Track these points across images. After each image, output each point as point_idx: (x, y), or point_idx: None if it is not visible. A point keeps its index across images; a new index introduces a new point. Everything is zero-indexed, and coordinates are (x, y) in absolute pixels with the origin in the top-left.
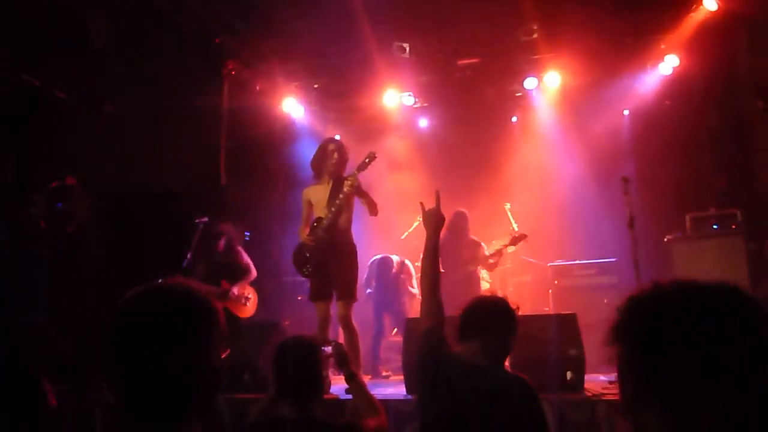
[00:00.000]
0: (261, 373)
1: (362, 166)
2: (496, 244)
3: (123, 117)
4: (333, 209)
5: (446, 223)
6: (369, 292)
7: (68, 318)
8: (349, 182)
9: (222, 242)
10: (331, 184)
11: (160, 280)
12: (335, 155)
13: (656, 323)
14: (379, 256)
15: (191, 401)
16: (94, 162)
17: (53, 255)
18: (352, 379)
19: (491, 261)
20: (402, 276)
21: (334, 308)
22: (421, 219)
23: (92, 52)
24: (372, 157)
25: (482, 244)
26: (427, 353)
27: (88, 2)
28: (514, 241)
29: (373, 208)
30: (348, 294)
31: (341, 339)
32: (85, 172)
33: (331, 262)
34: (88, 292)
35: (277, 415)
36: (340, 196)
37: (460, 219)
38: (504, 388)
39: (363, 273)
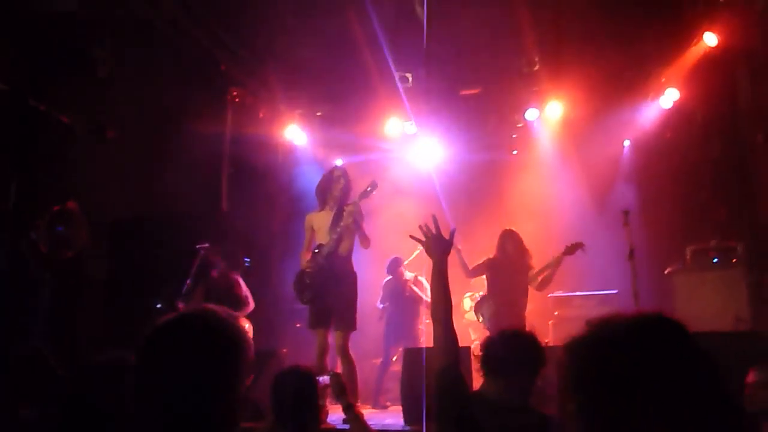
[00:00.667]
0: (258, 402)
1: (364, 195)
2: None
3: (125, 143)
4: (334, 236)
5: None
6: (382, 307)
7: (68, 343)
8: (350, 209)
9: (215, 270)
10: (334, 211)
11: (159, 306)
12: (341, 181)
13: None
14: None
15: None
16: (96, 187)
17: (53, 279)
18: (350, 409)
19: (540, 278)
20: (416, 296)
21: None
22: (421, 248)
23: (97, 79)
24: (374, 185)
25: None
26: (447, 395)
27: (94, 30)
28: (569, 250)
29: (364, 241)
30: (346, 324)
31: (339, 368)
32: (86, 197)
33: (330, 289)
34: (89, 317)
35: None
36: (341, 223)
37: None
38: (533, 427)
39: (364, 300)
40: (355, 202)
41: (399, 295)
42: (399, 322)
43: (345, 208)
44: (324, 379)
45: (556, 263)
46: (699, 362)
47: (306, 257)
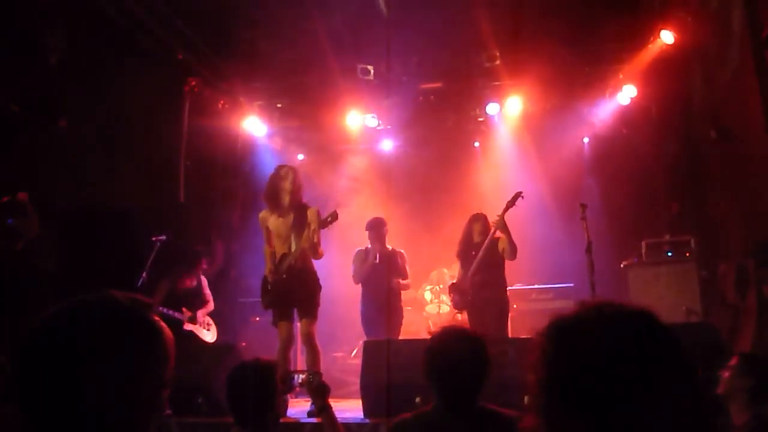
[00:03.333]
0: (215, 396)
1: (323, 224)
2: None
3: (78, 132)
4: (298, 249)
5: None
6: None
7: (14, 338)
8: (312, 211)
9: (181, 270)
10: (292, 215)
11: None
12: (289, 176)
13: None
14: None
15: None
16: (47, 177)
17: (1, 272)
18: (325, 411)
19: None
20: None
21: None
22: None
23: (47, 67)
24: (334, 217)
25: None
26: None
27: (45, 16)
28: (511, 202)
29: (317, 253)
30: (309, 313)
31: (300, 362)
32: (37, 187)
33: (294, 289)
34: (37, 311)
35: None
36: (304, 232)
37: None
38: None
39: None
40: (316, 229)
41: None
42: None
43: (307, 211)
44: (298, 377)
45: (501, 222)
46: (678, 354)
47: (269, 260)
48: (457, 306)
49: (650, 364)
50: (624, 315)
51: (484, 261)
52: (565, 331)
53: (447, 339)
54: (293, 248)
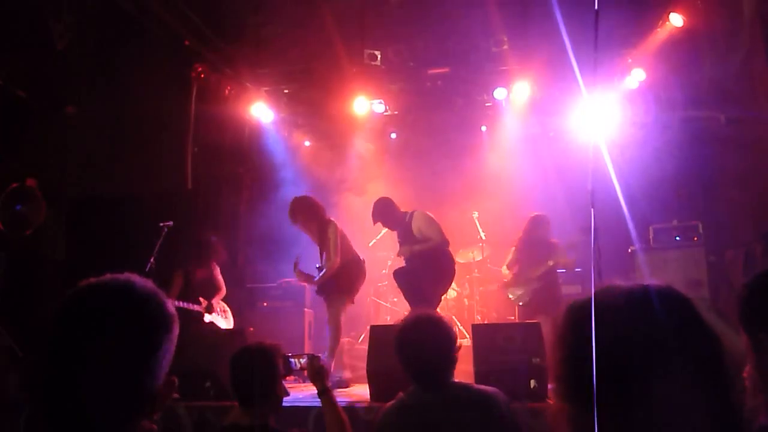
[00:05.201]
0: (223, 381)
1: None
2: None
3: (86, 118)
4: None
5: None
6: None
7: (24, 323)
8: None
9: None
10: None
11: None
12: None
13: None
14: None
15: (126, 417)
16: (55, 164)
17: (10, 258)
18: (324, 394)
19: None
20: None
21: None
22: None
23: (54, 53)
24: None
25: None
26: None
27: (51, 2)
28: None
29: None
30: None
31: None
32: (45, 174)
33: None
34: (45, 296)
35: (232, 421)
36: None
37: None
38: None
39: None
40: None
41: None
42: None
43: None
44: (295, 362)
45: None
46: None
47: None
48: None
49: (669, 344)
50: (641, 294)
51: None
52: (582, 316)
53: (413, 324)
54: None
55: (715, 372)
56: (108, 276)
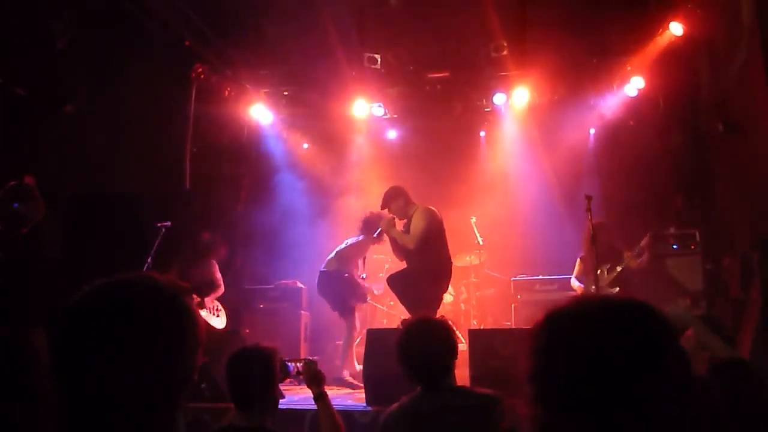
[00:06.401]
0: (219, 383)
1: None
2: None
3: (85, 117)
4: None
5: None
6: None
7: (21, 323)
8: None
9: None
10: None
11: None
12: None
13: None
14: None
15: (148, 418)
16: (54, 162)
17: (7, 257)
18: (320, 399)
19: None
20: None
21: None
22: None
23: (54, 51)
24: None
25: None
26: None
27: (51, 1)
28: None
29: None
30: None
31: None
32: (43, 172)
33: None
34: (43, 296)
35: (228, 423)
36: None
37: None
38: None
39: None
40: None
41: None
42: None
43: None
44: (291, 365)
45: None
46: (670, 346)
47: None
48: None
49: (640, 356)
50: (616, 306)
51: None
52: (558, 322)
53: (413, 328)
54: None
55: (680, 388)
56: (124, 273)
